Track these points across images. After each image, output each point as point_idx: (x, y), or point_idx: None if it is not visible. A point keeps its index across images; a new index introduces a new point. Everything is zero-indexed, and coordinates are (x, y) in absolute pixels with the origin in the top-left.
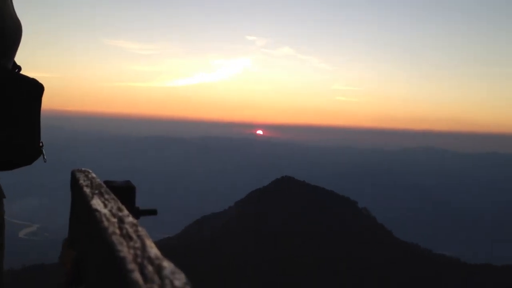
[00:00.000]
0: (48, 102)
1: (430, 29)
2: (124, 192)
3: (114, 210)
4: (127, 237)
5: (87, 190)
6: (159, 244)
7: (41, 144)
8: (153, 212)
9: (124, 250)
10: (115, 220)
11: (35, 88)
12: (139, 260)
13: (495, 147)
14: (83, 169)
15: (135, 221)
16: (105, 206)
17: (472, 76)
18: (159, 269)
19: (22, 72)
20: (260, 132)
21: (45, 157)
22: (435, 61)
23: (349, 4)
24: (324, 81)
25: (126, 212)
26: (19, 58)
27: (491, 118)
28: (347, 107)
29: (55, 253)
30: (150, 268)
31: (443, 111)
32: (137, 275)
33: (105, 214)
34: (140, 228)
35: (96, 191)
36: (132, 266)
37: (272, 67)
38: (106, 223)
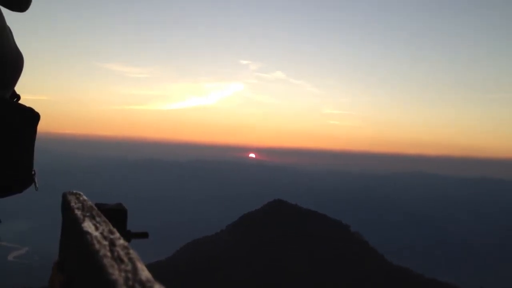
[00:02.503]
0: (42, 124)
1: (424, 53)
2: (115, 215)
3: (105, 233)
4: (118, 260)
5: (78, 213)
6: (150, 267)
7: (33, 173)
8: (144, 235)
9: (115, 273)
10: (106, 243)
11: (31, 117)
12: (130, 283)
13: (485, 172)
14: (74, 191)
15: (126, 244)
16: (97, 228)
17: (462, 101)
18: None
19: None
20: (252, 155)
21: (37, 185)
22: (425, 86)
23: (340, 29)
24: (315, 105)
25: (117, 234)
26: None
27: (481, 143)
28: (338, 131)
29: (45, 276)
30: None
31: (434, 135)
32: None
33: (96, 237)
34: (131, 251)
35: (88, 214)
36: None
37: (264, 91)
38: (97, 245)
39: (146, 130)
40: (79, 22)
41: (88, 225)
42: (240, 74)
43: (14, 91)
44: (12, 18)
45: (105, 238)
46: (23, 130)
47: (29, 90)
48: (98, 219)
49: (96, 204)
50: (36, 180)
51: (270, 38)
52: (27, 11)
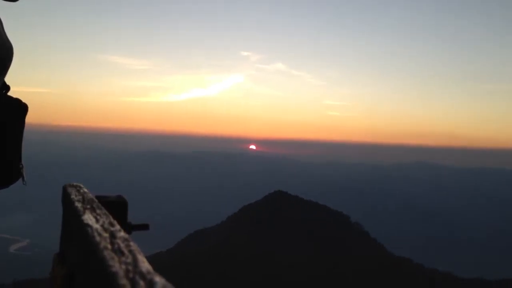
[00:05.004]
0: (42, 117)
1: (424, 45)
2: (116, 207)
3: (105, 225)
4: (119, 252)
5: (78, 205)
6: (151, 259)
7: (21, 166)
8: (145, 227)
9: (116, 265)
10: (106, 235)
11: (18, 109)
12: (130, 275)
13: (489, 162)
14: (74, 184)
15: (126, 236)
16: (97, 221)
17: (465, 92)
18: (150, 284)
19: (15, 88)
20: (253, 147)
21: (25, 179)
22: (428, 76)
23: (341, 21)
24: (316, 96)
25: (118, 227)
26: (12, 75)
27: (484, 133)
28: (339, 122)
29: (46, 269)
30: (141, 283)
31: (437, 126)
32: None
33: (96, 229)
34: (132, 243)
35: (88, 206)
36: (123, 281)
37: (265, 82)
38: (97, 238)
39: (146, 122)
40: (80, 14)
41: (88, 218)
42: (240, 66)
43: (4, 82)
44: (11, 10)
45: (105, 230)
46: (9, 123)
47: (29, 83)
48: (98, 211)
49: (97, 197)
50: (24, 174)
51: (271, 30)
52: (20, 1)
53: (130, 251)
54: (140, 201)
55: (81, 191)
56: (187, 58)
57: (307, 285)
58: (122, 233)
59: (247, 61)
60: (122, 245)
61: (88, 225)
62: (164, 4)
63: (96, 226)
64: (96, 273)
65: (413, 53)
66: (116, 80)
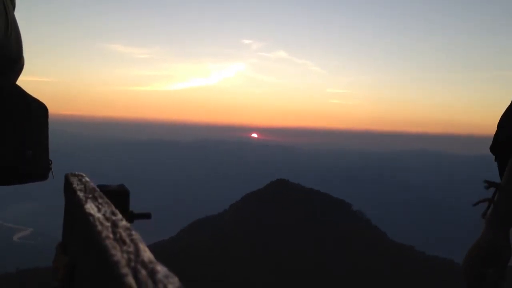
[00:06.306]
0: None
1: (424, 33)
2: (118, 196)
3: (107, 214)
4: (121, 241)
5: (80, 194)
6: (152, 248)
7: (50, 162)
8: (147, 216)
9: (118, 255)
10: (108, 224)
11: (45, 109)
12: (132, 264)
13: (488, 149)
14: (76, 173)
15: (128, 225)
16: (99, 210)
17: (464, 79)
18: (152, 273)
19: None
20: (255, 135)
21: (53, 174)
22: (428, 64)
23: (344, 9)
24: (318, 85)
25: (119, 216)
26: None
27: (486, 120)
28: (341, 110)
29: (49, 257)
30: (143, 272)
31: (436, 114)
32: (130, 280)
33: (98, 218)
34: (133, 232)
35: (90, 195)
36: (125, 270)
37: (267, 71)
38: (99, 227)
39: (149, 111)
40: (83, 3)
41: (90, 207)
42: (242, 54)
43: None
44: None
45: (107, 219)
46: (43, 122)
47: (33, 72)
48: (100, 200)
49: (98, 186)
50: (52, 169)
51: (272, 17)
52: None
53: (132, 240)
54: (142, 190)
55: (83, 180)
56: (188, 47)
57: (308, 272)
58: (124, 222)
59: (249, 49)
60: (124, 234)
61: (90, 214)
62: None
63: (98, 215)
64: (98, 262)
65: (414, 41)
66: (118, 69)
